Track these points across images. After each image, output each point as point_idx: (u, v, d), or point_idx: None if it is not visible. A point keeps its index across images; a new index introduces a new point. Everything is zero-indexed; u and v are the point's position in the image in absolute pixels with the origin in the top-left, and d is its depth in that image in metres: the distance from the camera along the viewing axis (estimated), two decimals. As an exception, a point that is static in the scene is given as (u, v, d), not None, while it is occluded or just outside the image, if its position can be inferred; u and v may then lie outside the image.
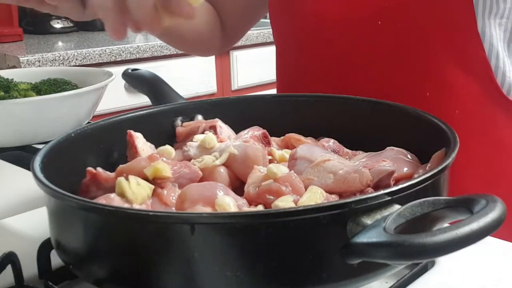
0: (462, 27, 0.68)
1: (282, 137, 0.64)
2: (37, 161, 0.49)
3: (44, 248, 0.51)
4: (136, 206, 0.47)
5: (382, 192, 0.39)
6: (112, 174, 0.54)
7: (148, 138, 0.61)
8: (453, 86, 0.70)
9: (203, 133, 0.62)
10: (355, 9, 0.73)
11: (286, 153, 0.58)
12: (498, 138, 0.73)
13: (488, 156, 0.73)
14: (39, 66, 1.73)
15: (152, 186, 0.49)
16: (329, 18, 0.75)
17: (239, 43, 2.27)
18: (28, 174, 0.47)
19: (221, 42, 0.99)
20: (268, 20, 0.88)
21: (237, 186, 0.54)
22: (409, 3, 0.69)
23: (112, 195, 0.48)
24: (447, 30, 0.69)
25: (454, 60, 0.69)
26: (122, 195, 0.48)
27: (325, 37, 0.76)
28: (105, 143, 0.60)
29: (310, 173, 0.52)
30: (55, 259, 0.49)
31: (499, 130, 0.72)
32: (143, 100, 1.37)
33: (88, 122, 0.90)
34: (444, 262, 0.53)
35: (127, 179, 0.48)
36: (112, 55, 1.91)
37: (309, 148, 0.56)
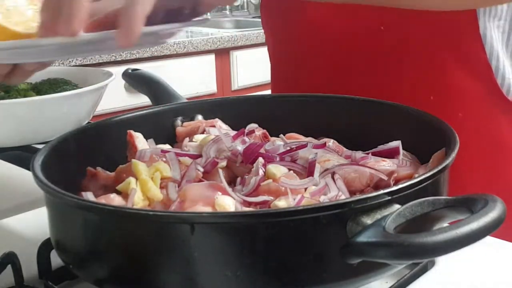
0: (465, 29, 0.68)
1: (282, 137, 0.64)
2: (37, 161, 0.49)
3: (44, 248, 0.51)
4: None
5: (382, 192, 0.39)
6: (112, 174, 0.54)
7: (148, 138, 0.61)
8: (457, 89, 0.70)
9: (203, 133, 0.62)
10: (357, 15, 0.72)
11: (286, 153, 0.58)
12: (500, 140, 0.73)
13: (490, 158, 0.73)
14: (39, 66, 1.73)
15: (160, 196, 0.49)
16: (329, 26, 0.74)
17: (239, 43, 2.27)
18: (28, 174, 0.47)
19: None
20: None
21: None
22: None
23: (112, 195, 0.48)
24: (450, 33, 0.69)
25: (457, 63, 0.69)
26: (125, 194, 0.48)
27: (325, 45, 0.76)
28: (105, 143, 0.60)
29: (310, 173, 0.52)
30: (55, 259, 0.49)
31: (501, 132, 0.73)
32: (143, 100, 1.37)
33: (88, 122, 0.90)
34: (444, 262, 0.53)
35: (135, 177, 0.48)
36: (112, 55, 1.91)
37: (309, 148, 0.56)
